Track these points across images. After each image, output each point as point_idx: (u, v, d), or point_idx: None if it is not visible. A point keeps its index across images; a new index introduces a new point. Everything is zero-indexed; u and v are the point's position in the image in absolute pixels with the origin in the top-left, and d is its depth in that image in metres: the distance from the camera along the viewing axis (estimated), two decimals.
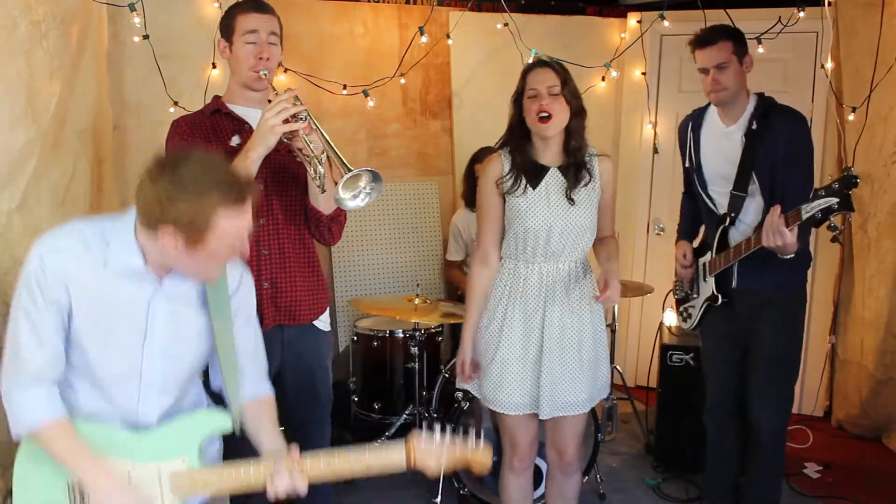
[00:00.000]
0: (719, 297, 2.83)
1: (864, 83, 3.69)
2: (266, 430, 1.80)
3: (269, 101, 2.23)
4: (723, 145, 2.82)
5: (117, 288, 1.62)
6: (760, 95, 2.81)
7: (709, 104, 2.88)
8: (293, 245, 2.41)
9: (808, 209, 2.35)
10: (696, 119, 2.94)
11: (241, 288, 1.80)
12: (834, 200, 2.31)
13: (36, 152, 2.42)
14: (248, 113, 2.38)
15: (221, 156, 1.62)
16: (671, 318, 3.89)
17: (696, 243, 3.06)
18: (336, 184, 2.11)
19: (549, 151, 2.43)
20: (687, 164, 2.96)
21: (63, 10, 2.55)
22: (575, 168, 2.41)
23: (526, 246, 2.43)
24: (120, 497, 1.63)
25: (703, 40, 2.80)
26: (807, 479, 3.59)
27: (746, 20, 3.84)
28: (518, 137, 2.44)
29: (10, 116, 2.33)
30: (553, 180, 2.42)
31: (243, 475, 1.65)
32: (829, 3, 3.74)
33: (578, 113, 2.40)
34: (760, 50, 3.84)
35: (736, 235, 2.78)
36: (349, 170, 2.07)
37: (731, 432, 3.01)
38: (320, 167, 2.15)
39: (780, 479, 2.96)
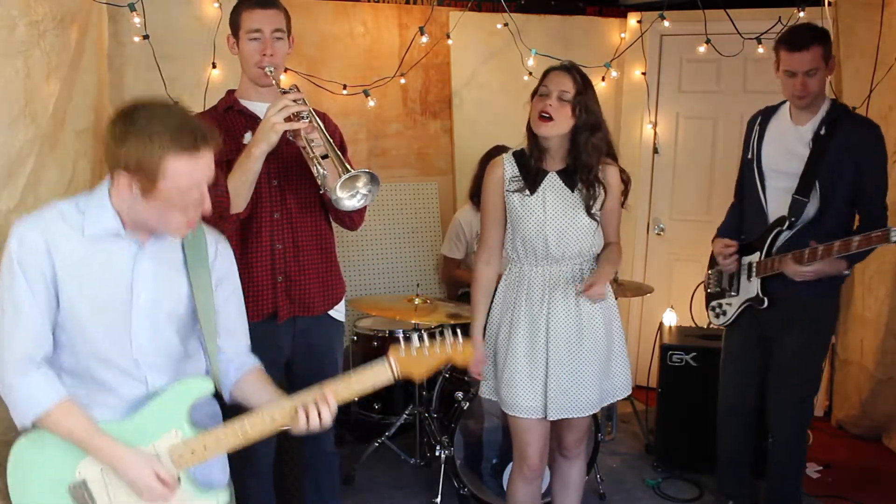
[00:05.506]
0: (765, 299, 2.78)
1: (864, 83, 3.69)
2: (270, 391, 1.81)
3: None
4: (788, 142, 2.75)
5: (99, 252, 1.63)
6: (834, 101, 2.73)
7: (782, 101, 2.80)
8: (308, 237, 2.44)
9: None
10: (766, 114, 2.86)
11: (220, 256, 1.81)
12: None
13: (34, 152, 2.41)
14: (260, 108, 2.38)
15: (181, 105, 1.66)
16: (671, 318, 3.89)
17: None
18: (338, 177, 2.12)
19: (551, 156, 2.41)
20: (749, 156, 2.87)
21: (62, 10, 2.54)
22: (577, 177, 2.38)
23: (526, 249, 2.42)
24: (145, 469, 1.62)
25: (795, 43, 2.62)
26: (807, 479, 3.57)
27: (746, 20, 3.85)
28: (529, 137, 2.42)
29: (8, 116, 2.32)
30: (550, 185, 2.40)
31: (239, 431, 1.66)
32: (829, 3, 3.74)
33: (587, 128, 2.35)
34: (760, 50, 3.83)
35: (785, 237, 2.74)
36: (347, 170, 2.09)
37: (745, 432, 3.00)
38: (322, 168, 2.16)
39: (799, 482, 2.95)
